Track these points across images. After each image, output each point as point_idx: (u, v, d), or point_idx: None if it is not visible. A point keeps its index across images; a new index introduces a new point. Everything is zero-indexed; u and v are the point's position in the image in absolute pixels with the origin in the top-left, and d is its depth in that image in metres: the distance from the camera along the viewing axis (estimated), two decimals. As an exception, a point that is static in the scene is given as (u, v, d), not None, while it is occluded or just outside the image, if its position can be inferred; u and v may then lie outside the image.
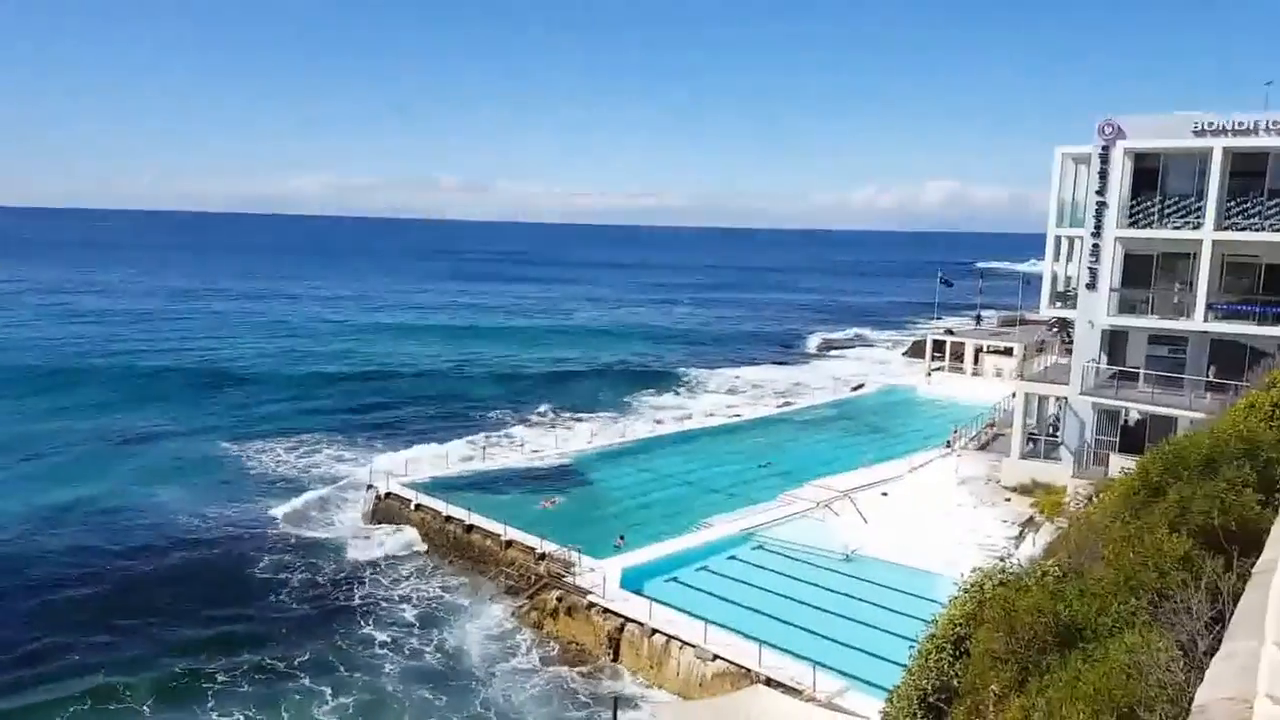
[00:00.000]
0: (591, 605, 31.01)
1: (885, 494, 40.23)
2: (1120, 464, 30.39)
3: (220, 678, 28.95)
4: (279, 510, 43.65)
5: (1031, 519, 35.10)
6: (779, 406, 63.89)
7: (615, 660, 29.72)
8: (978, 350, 69.48)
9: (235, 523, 42.64)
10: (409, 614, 33.50)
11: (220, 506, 44.53)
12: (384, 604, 34.39)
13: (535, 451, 51.19)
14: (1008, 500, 37.94)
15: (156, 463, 52.08)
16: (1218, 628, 7.23)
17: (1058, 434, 38.89)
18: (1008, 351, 66.64)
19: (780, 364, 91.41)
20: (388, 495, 41.84)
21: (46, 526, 42.00)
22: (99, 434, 58.30)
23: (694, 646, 27.73)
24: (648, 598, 30.67)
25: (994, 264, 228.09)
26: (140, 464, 51.89)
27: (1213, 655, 6.35)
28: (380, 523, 41.56)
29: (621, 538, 35.99)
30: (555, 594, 32.26)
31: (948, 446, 46.49)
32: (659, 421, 60.91)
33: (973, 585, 12.67)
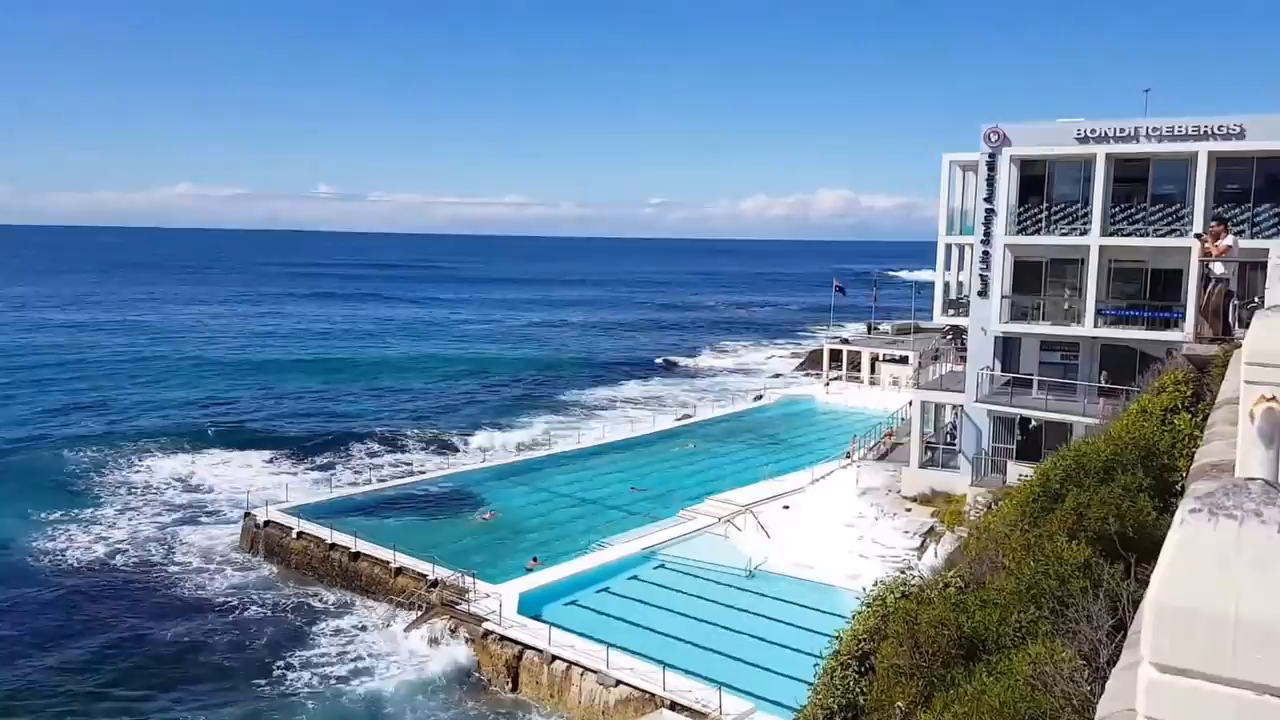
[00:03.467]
0: (488, 633, 30.36)
1: (787, 507, 40.80)
2: (1018, 471, 31.64)
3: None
4: (141, 542, 41.48)
5: (932, 529, 36.15)
6: (676, 420, 64.28)
7: (514, 690, 29.15)
8: (874, 359, 71.45)
9: (93, 557, 40.22)
10: (274, 643, 32.12)
11: (77, 536, 41.88)
12: (248, 635, 32.92)
13: (421, 473, 50.10)
14: (908, 510, 38.99)
15: (17, 484, 48.68)
16: (1119, 635, 7.43)
17: (955, 442, 40.23)
18: (904, 360, 68.63)
19: (677, 377, 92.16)
20: (267, 523, 40.10)
21: None
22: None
23: (595, 672, 27.42)
24: (546, 622, 30.21)
25: (888, 272, 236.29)
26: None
27: (1114, 665, 6.48)
28: (258, 552, 39.82)
29: (535, 559, 35.47)
30: (448, 622, 31.45)
31: (848, 457, 47.55)
32: (550, 440, 60.40)
33: (875, 599, 12.80)
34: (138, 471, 52.02)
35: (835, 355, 74.85)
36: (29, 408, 69.97)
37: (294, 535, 38.94)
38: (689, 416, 65.02)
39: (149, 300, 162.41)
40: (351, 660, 30.76)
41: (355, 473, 51.92)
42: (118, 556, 40.42)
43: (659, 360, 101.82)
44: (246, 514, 41.30)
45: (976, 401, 37.42)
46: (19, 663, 31.28)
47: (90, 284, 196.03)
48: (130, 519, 44.63)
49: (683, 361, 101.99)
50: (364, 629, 32.95)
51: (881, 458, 45.68)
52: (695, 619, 30.97)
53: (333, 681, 29.34)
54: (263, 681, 29.51)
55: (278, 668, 30.33)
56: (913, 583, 13.23)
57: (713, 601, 32.31)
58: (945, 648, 9.72)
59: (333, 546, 37.48)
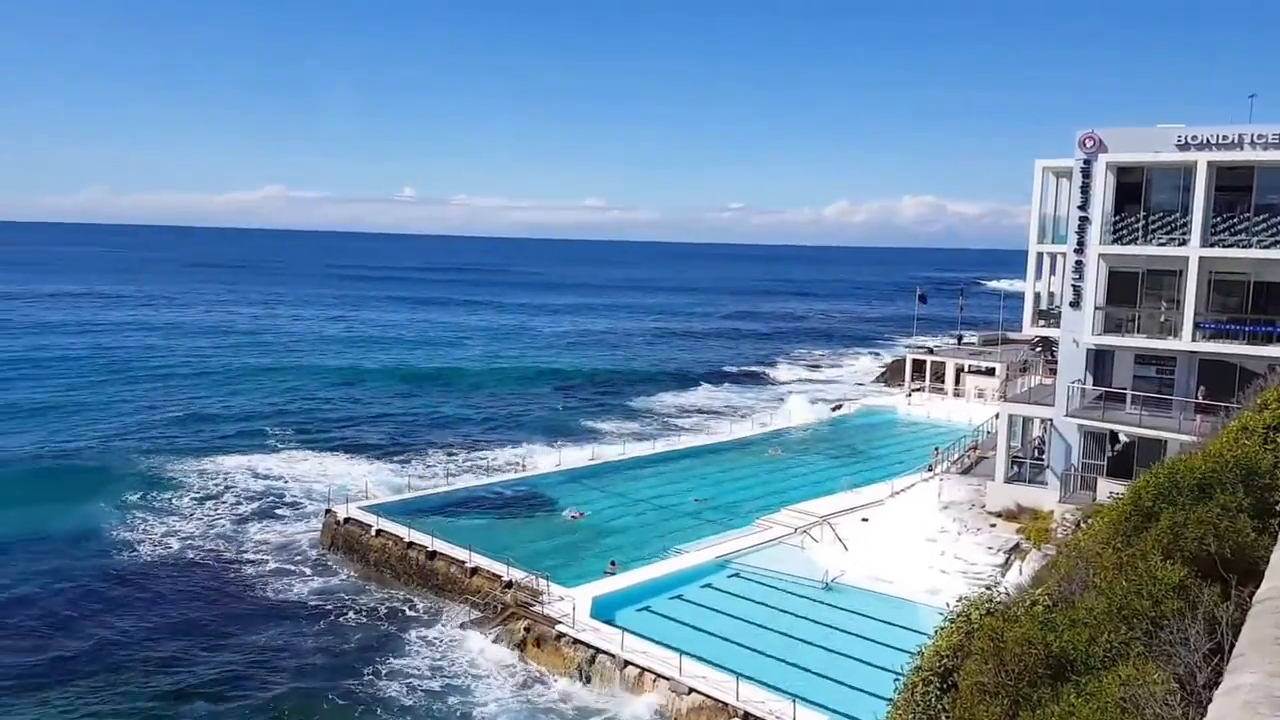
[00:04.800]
0: (561, 635, 30.77)
1: (865, 519, 40.37)
2: (1109, 488, 30.79)
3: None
4: (228, 537, 43.16)
5: (1018, 546, 35.36)
6: (754, 429, 64.06)
7: (586, 684, 29.51)
8: (959, 370, 70.15)
9: (186, 545, 42.02)
10: (368, 646, 33.00)
11: (163, 532, 43.76)
12: (337, 637, 33.91)
13: (499, 474, 50.90)
14: (993, 526, 38.21)
15: (91, 483, 51.05)
16: (1216, 659, 7.28)
17: (1043, 457, 39.28)
18: (990, 372, 67.32)
19: (752, 385, 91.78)
20: (346, 520, 41.34)
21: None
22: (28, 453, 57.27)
23: (669, 679, 27.57)
24: (619, 627, 30.48)
25: (975, 281, 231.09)
26: (71, 484, 50.87)
27: (1212, 689, 6.37)
28: (338, 549, 41.07)
29: (613, 563, 35.83)
30: (524, 623, 31.98)
31: (929, 470, 46.80)
32: (626, 445, 60.75)
33: (959, 615, 12.67)
34: (220, 468, 53.90)
35: (918, 366, 73.68)
36: (118, 404, 73.17)
37: (373, 533, 40.03)
38: (764, 425, 64.72)
39: (233, 301, 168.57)
40: (443, 674, 30.58)
41: (432, 473, 52.99)
42: (201, 551, 42.07)
43: (734, 368, 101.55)
44: (327, 511, 42.59)
45: (1067, 416, 36.49)
46: (106, 656, 32.70)
47: (178, 283, 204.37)
48: (214, 515, 46.34)
49: (759, 370, 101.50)
50: (453, 639, 33.01)
51: (965, 471, 44.85)
52: (769, 629, 30.88)
53: (422, 694, 29.32)
54: (354, 685, 29.84)
55: (367, 675, 30.51)
56: (998, 599, 13.09)
57: (787, 613, 32.16)
58: (1032, 666, 9.61)
59: (410, 545, 38.43)
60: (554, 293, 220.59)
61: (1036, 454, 40.52)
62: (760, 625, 31.24)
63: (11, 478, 52.24)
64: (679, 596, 33.70)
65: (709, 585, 34.75)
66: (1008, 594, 13.87)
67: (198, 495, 49.07)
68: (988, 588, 14.46)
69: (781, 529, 39.54)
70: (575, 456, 55.73)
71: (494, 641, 32.55)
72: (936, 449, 49.03)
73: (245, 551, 41.86)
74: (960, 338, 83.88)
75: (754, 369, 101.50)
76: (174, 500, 48.20)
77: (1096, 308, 36.26)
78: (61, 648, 33.06)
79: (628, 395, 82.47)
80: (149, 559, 41.13)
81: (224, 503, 48.01)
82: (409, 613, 35.57)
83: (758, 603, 33.11)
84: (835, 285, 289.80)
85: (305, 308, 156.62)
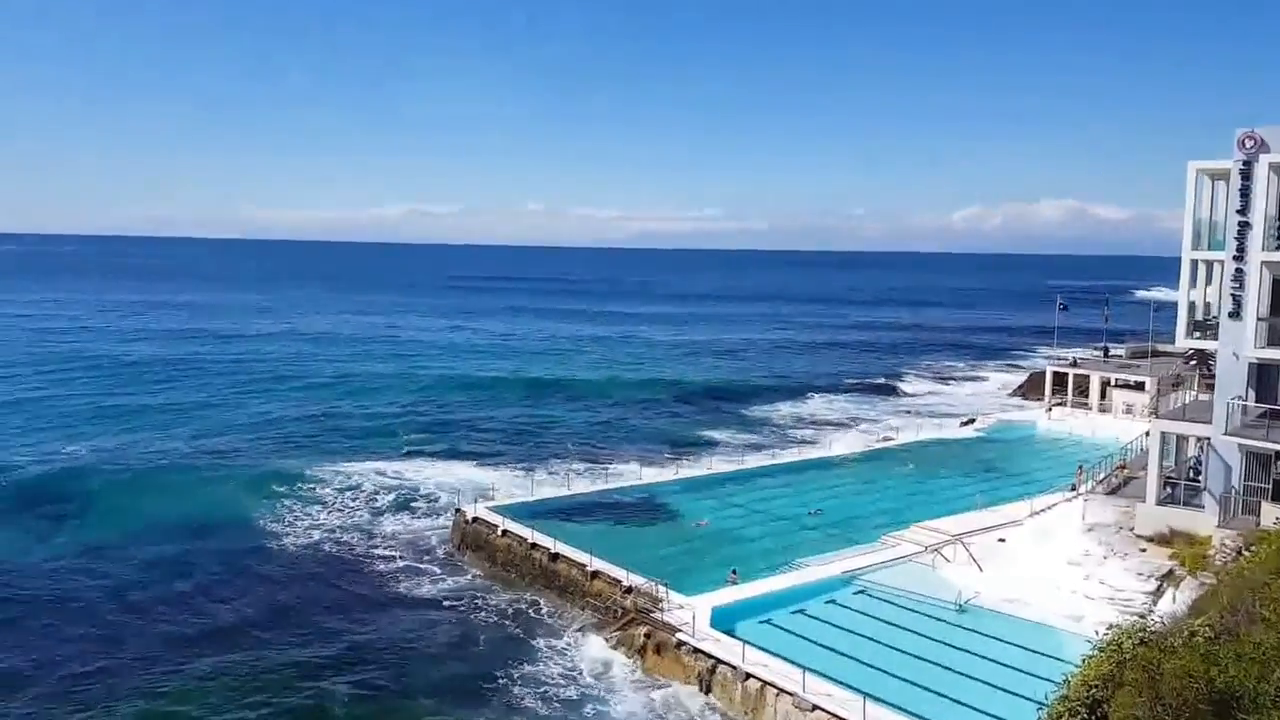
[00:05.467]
0: (681, 644, 30.86)
1: (1002, 540, 38.96)
2: (1275, 513, 28.88)
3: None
4: (370, 533, 45.11)
5: (1171, 572, 33.46)
6: (879, 441, 62.71)
7: (707, 693, 29.53)
8: (1104, 384, 66.95)
9: (325, 538, 44.23)
10: (494, 646, 33.86)
11: (307, 524, 46.08)
12: (467, 633, 34.94)
13: (617, 481, 51.42)
14: (1143, 551, 36.27)
15: (245, 477, 54.36)
16: None
17: (1199, 478, 37.05)
18: (1139, 386, 64.06)
19: (876, 397, 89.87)
20: (474, 520, 42.62)
21: (136, 542, 44.08)
22: (191, 452, 61.27)
23: (791, 695, 27.26)
24: (740, 639, 30.34)
25: (1122, 290, 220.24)
26: (227, 478, 54.19)
27: None
28: (466, 547, 42.38)
29: (734, 573, 35.78)
30: (643, 629, 32.23)
31: (1072, 490, 44.82)
32: (744, 455, 60.52)
33: (1109, 644, 12.15)
34: (355, 469, 56.37)
35: (1059, 379, 70.64)
36: (265, 407, 77.52)
37: (499, 533, 41.12)
38: (890, 439, 63.29)
39: (367, 311, 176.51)
40: (576, 683, 30.78)
41: (552, 478, 53.94)
42: (338, 544, 44.21)
43: (856, 379, 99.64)
44: (457, 510, 44.00)
45: (1226, 434, 34.35)
46: (252, 636, 34.68)
47: (318, 295, 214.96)
48: (349, 511, 48.58)
49: (883, 381, 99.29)
50: (577, 645, 33.43)
51: (1112, 492, 42.74)
52: (897, 650, 30.13)
53: (557, 704, 29.57)
54: (488, 688, 30.44)
55: (500, 679, 30.99)
56: (1152, 629, 12.52)
57: (916, 633, 31.32)
58: (1193, 701, 9.14)
59: (534, 546, 39.29)
60: (671, 302, 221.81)
61: (1192, 475, 38.22)
62: (887, 645, 30.52)
63: (173, 470, 56.09)
64: (801, 611, 33.27)
65: (833, 601, 34.18)
66: (1162, 623, 13.23)
67: (335, 493, 51.51)
68: (1140, 616, 13.80)
69: (911, 546, 38.56)
70: (692, 465, 55.89)
71: (614, 647, 32.95)
72: (1080, 467, 46.93)
73: (379, 546, 43.74)
74: (1106, 350, 79.98)
75: (877, 380, 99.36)
76: (313, 497, 50.70)
77: (1259, 319, 34.06)
78: (212, 625, 35.36)
79: (744, 405, 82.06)
80: (292, 549, 43.48)
81: (358, 500, 50.23)
82: (534, 615, 36.28)
83: (885, 621, 32.37)
84: (966, 294, 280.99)
85: (432, 318, 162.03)
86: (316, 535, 45.17)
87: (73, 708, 28.92)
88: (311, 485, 52.59)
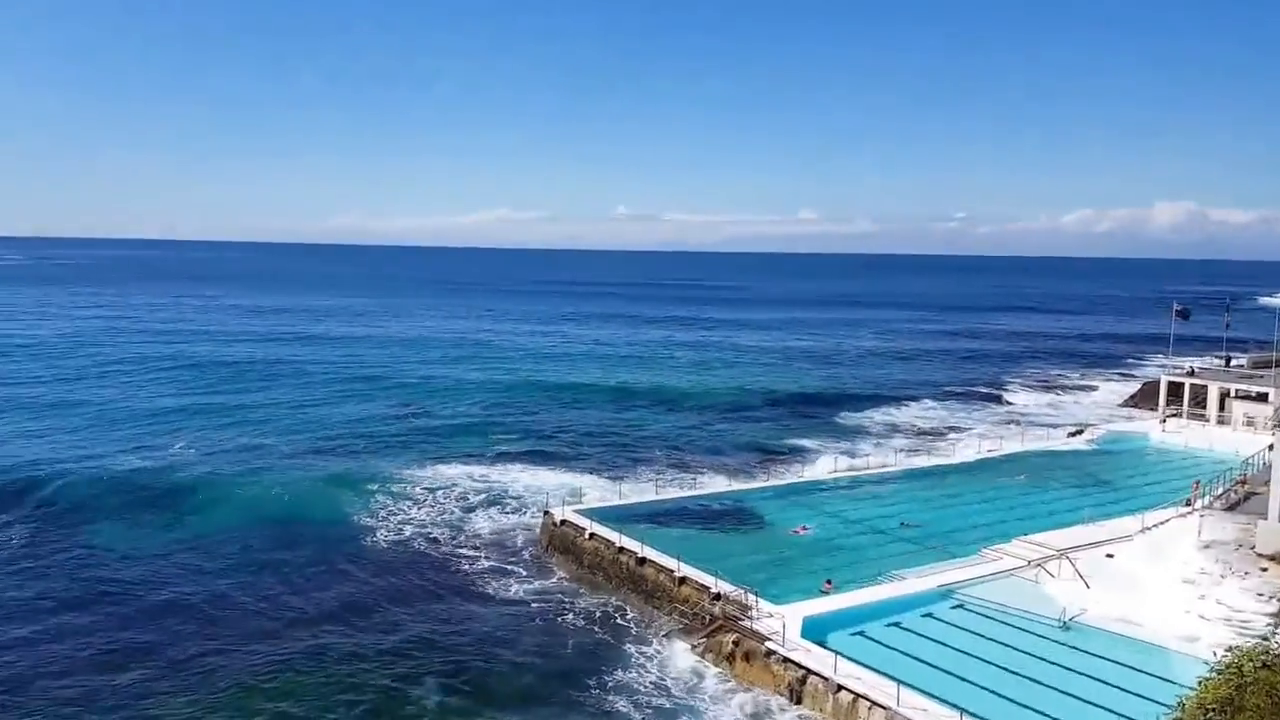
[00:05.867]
0: (770, 653, 30.62)
1: (1110, 555, 37.55)
2: None
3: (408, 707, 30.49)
4: (459, 532, 46.10)
5: (1294, 594, 31.75)
6: (982, 452, 61.10)
7: (797, 704, 29.25)
8: (1224, 394, 63.90)
9: (417, 536, 45.40)
10: (583, 650, 34.15)
11: (397, 522, 47.30)
12: (555, 635, 35.33)
13: (706, 487, 51.28)
14: (1264, 570, 34.52)
15: (338, 475, 56.14)
16: None
17: (1328, 495, 35.06)
18: (1261, 397, 61.00)
19: (981, 405, 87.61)
20: (562, 522, 43.09)
21: (235, 534, 45.89)
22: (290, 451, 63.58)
23: (885, 708, 26.79)
24: (832, 650, 29.95)
25: (1244, 296, 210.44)
26: (321, 475, 56.06)
27: None
28: (554, 549, 42.87)
29: (829, 583, 35.41)
30: (731, 637, 32.08)
31: (1187, 505, 42.92)
32: (837, 462, 59.70)
33: (1229, 666, 11.65)
34: (446, 469, 57.70)
35: (1175, 389, 67.72)
36: (362, 406, 79.84)
37: (586, 535, 41.49)
38: (993, 450, 61.61)
39: (460, 316, 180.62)
40: (668, 693, 30.74)
41: (641, 484, 54.02)
42: (429, 542, 45.29)
43: (958, 387, 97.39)
44: (545, 512, 44.56)
45: (1361, 450, 32.41)
46: (345, 627, 35.73)
47: (404, 300, 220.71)
48: (440, 511, 49.65)
49: (986, 389, 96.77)
50: (665, 652, 33.47)
51: (1231, 508, 40.83)
52: (997, 666, 29.36)
53: (649, 711, 29.57)
54: (578, 695, 30.69)
55: (592, 686, 31.13)
56: (1275, 652, 11.97)
57: (1018, 650, 30.45)
58: (1322, 723, 8.69)
59: (621, 550, 39.51)
60: (764, 308, 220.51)
61: (1321, 492, 36.20)
62: (986, 661, 29.75)
63: (271, 468, 58.32)
64: (896, 624, 32.68)
65: (929, 614, 33.48)
66: (1289, 642, 12.58)
67: (425, 492, 52.77)
68: (1263, 638, 13.20)
69: (1013, 560, 37.51)
70: (783, 473, 55.46)
71: (701, 654, 32.89)
72: (1197, 482, 44.93)
73: (467, 546, 44.69)
74: (1227, 359, 76.35)
75: (980, 388, 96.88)
76: (404, 496, 52.03)
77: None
78: (306, 616, 36.71)
79: (837, 412, 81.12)
80: (383, 547, 44.77)
81: (448, 500, 51.33)
82: (621, 620, 36.51)
83: (984, 637, 31.56)
84: (1076, 300, 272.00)
85: (521, 323, 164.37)
86: (407, 533, 46.38)
87: (175, 691, 30.33)
88: (402, 484, 53.98)
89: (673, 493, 49.63)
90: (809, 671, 29.44)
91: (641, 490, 50.67)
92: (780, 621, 31.76)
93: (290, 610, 37.46)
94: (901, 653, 30.45)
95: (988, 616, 33.14)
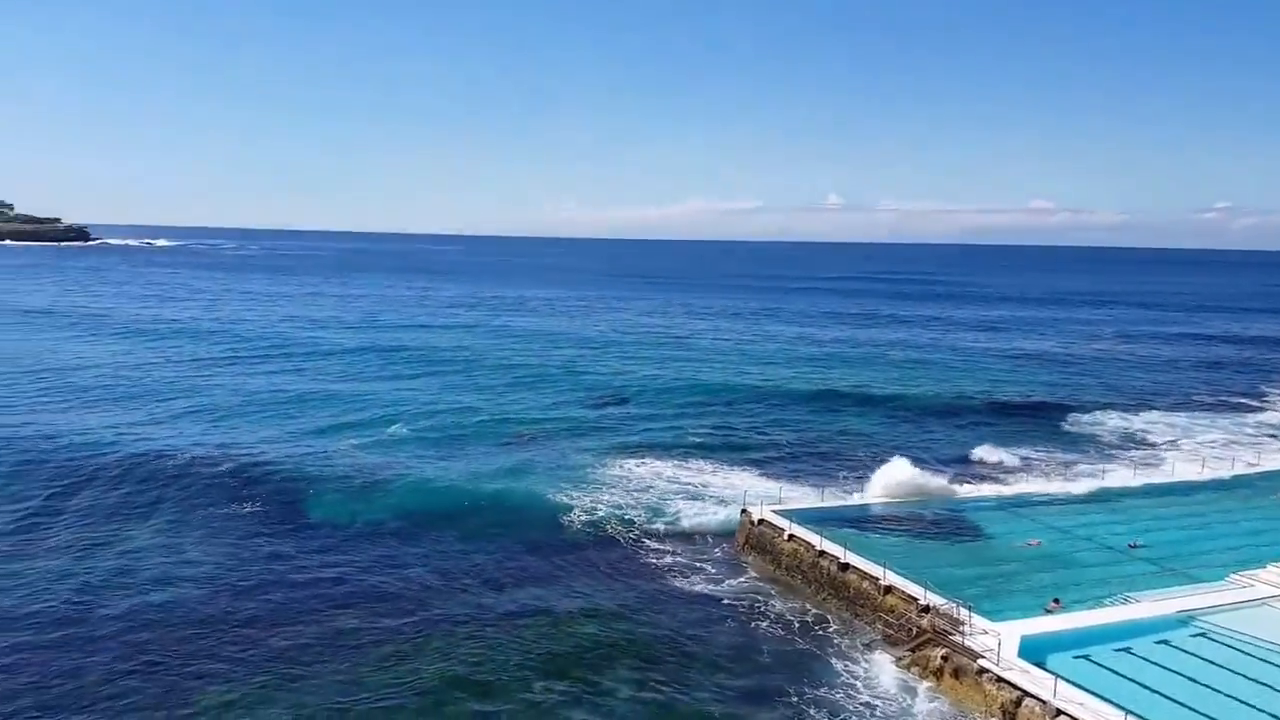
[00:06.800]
0: (983, 671, 29.76)
1: (1390, 590, 33.92)
2: None
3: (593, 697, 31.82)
4: (652, 525, 47.37)
5: None
6: (1235, 468, 56.32)
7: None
8: None
9: (610, 528, 47.05)
10: (779, 656, 34.37)
11: (590, 515, 49.05)
12: (750, 638, 35.74)
13: (916, 495, 49.88)
14: None
15: (532, 466, 58.89)
16: None
17: None
18: None
19: (1235, 415, 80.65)
20: (760, 522, 43.41)
21: (435, 516, 48.94)
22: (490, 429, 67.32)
23: (1109, 738, 25.51)
24: (1051, 672, 28.77)
25: None
26: (516, 466, 59.01)
27: None
28: (750, 549, 43.26)
29: (1056, 601, 34.15)
30: (940, 652, 31.39)
31: None
32: (1066, 474, 56.74)
33: None
34: (644, 464, 59.18)
35: None
36: (541, 402, 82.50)
37: (785, 537, 41.63)
38: (1252, 466, 56.69)
39: (657, 310, 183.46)
40: (870, 709, 30.28)
41: (844, 487, 53.41)
42: (621, 534, 46.67)
43: (1207, 397, 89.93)
44: (744, 511, 44.97)
45: None
46: (535, 613, 37.39)
47: (603, 293, 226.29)
48: (635, 505, 50.79)
49: (1241, 400, 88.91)
50: (873, 667, 32.97)
51: None
52: (1241, 702, 27.36)
53: (796, 687, 29.78)
54: (775, 703, 30.76)
55: (792, 699, 31.00)
56: None
57: (1269, 687, 28.15)
58: None
59: (822, 554, 39.41)
60: (988, 305, 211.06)
61: None
62: (1229, 696, 27.77)
63: (469, 455, 61.84)
64: (1127, 649, 30.99)
65: (1165, 642, 31.53)
66: None
67: (619, 486, 54.34)
68: None
69: (1267, 589, 34.71)
70: (1003, 483, 53.40)
71: (906, 667, 32.38)
72: None
73: (660, 540, 45.83)
74: None
75: (1233, 398, 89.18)
76: (599, 488, 53.75)
77: None
78: (500, 601, 38.72)
79: (1066, 419, 77.15)
80: (575, 537, 46.54)
81: (642, 495, 52.60)
82: (819, 627, 36.43)
83: (1228, 669, 29.44)
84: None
85: (722, 319, 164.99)
86: (599, 524, 47.92)
87: (382, 669, 32.65)
88: (596, 477, 55.85)
89: (878, 498, 48.81)
90: (1025, 693, 28.46)
91: (844, 494, 50.14)
92: (995, 639, 30.85)
93: (486, 595, 39.65)
94: (1130, 680, 28.88)
95: (1234, 648, 30.86)
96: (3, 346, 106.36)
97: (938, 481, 51.22)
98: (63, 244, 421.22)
